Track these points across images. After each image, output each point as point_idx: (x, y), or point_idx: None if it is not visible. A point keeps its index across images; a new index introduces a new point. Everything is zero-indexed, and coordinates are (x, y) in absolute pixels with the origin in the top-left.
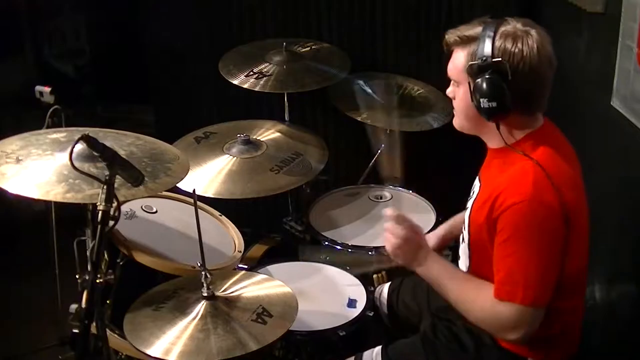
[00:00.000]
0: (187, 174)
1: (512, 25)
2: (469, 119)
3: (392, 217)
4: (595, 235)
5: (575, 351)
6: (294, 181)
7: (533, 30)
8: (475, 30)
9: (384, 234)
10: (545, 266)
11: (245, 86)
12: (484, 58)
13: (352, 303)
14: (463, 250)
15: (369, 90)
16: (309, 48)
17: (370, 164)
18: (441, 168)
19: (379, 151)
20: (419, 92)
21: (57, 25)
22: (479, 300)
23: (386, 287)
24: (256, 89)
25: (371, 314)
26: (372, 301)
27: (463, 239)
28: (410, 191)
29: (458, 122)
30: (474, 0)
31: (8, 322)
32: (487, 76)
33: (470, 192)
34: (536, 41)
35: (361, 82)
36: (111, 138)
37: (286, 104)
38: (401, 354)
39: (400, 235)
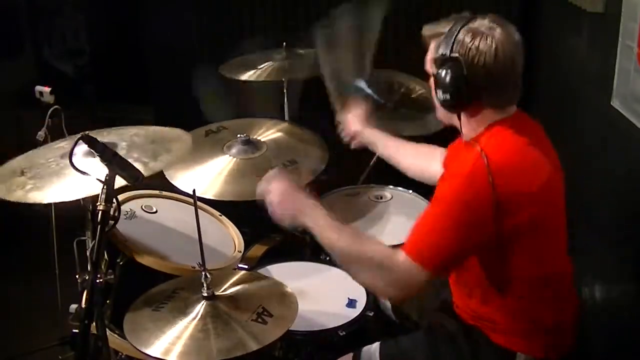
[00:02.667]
0: (189, 150)
1: (479, 22)
2: (439, 110)
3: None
4: (595, 235)
5: (568, 348)
6: None
7: (498, 29)
8: (445, 25)
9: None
10: (449, 237)
11: (243, 78)
12: (444, 53)
13: (352, 303)
14: None
15: (369, 91)
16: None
17: (371, 164)
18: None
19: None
20: (420, 91)
21: (57, 25)
22: (374, 247)
23: None
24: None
25: (371, 314)
26: (372, 301)
27: None
28: (410, 191)
29: (437, 113)
30: (475, 0)
31: (8, 322)
32: (443, 70)
33: None
34: (497, 40)
35: (362, 82)
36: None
37: (286, 104)
38: (399, 351)
39: (276, 192)
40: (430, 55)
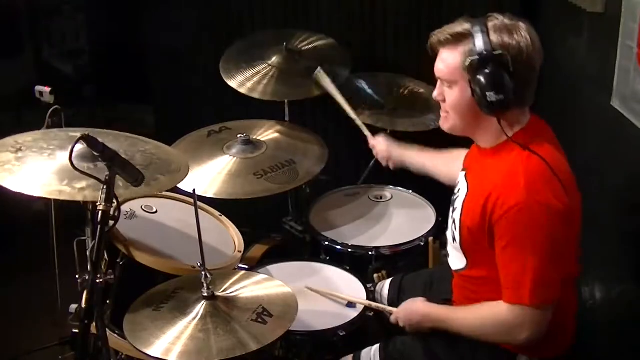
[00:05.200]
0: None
1: (500, 20)
2: (465, 117)
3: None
4: (595, 235)
5: (567, 348)
6: (272, 189)
7: (520, 23)
8: (463, 27)
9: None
10: (548, 266)
11: (242, 91)
12: (484, 52)
13: (352, 303)
14: (456, 248)
15: (369, 91)
16: (309, 45)
17: (371, 164)
18: None
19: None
20: (419, 92)
21: (57, 25)
22: (486, 317)
23: (387, 283)
24: (255, 96)
25: (371, 314)
26: (372, 300)
27: (454, 238)
28: (411, 191)
29: (450, 123)
30: (475, 0)
31: (8, 322)
32: (489, 70)
33: (455, 190)
34: (528, 32)
35: (362, 82)
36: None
37: (286, 104)
38: (399, 352)
39: (404, 321)
40: (454, 61)
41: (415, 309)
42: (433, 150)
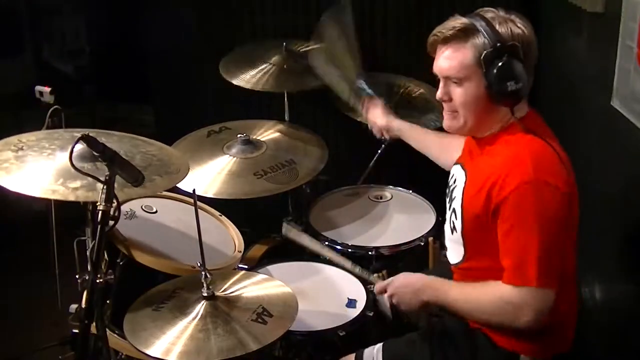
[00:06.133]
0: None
1: (496, 12)
2: (477, 112)
3: (381, 288)
4: (595, 235)
5: (568, 349)
6: (272, 189)
7: (513, 15)
8: (465, 22)
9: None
10: (552, 248)
11: (243, 84)
12: (498, 44)
13: (351, 303)
14: (455, 239)
15: (369, 91)
16: (309, 48)
17: (370, 164)
18: (441, 168)
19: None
20: (419, 92)
21: (57, 25)
22: (488, 295)
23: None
24: (256, 89)
25: (371, 314)
26: (372, 301)
27: (454, 228)
28: (411, 191)
29: (460, 122)
30: (475, 1)
31: (8, 322)
32: (505, 60)
33: (450, 182)
34: (524, 20)
35: (362, 82)
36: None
37: (286, 104)
38: (401, 351)
39: (395, 291)
40: (466, 57)
41: (415, 278)
42: (432, 132)
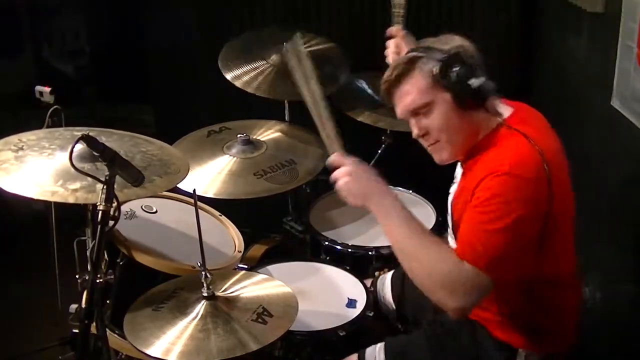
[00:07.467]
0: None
1: (425, 39)
2: (457, 129)
3: (339, 162)
4: (595, 234)
5: (569, 347)
6: (272, 189)
7: (439, 35)
8: (402, 57)
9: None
10: (511, 242)
11: (237, 84)
12: (443, 56)
13: (352, 303)
14: (450, 234)
15: (369, 90)
16: (310, 46)
17: (370, 164)
18: (441, 168)
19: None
20: None
21: (57, 25)
22: (442, 255)
23: (388, 277)
24: (253, 92)
25: (371, 314)
26: (372, 301)
27: (448, 224)
28: (411, 191)
29: (448, 149)
30: (474, 0)
31: (8, 322)
32: (457, 65)
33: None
34: (452, 34)
35: (362, 82)
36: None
37: (286, 103)
38: (403, 349)
39: (345, 171)
40: (422, 84)
41: (376, 183)
42: None
